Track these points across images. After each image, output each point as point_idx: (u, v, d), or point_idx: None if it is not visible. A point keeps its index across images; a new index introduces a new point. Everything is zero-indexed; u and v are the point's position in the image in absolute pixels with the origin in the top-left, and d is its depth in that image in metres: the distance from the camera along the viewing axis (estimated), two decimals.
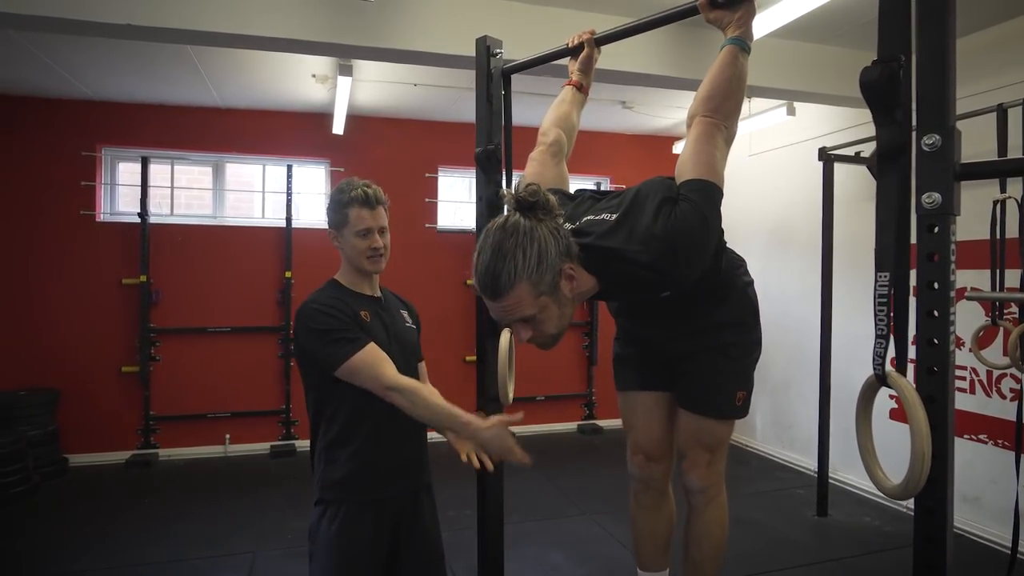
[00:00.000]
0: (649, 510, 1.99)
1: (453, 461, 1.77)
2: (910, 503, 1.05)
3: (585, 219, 1.46)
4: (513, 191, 1.38)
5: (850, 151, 4.10)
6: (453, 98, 5.16)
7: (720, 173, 1.36)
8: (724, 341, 1.77)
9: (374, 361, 1.70)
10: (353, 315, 1.78)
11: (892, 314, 1.08)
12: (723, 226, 1.48)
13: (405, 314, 2.03)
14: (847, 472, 4.58)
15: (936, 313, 1.04)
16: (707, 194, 1.33)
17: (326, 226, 1.91)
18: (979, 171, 1.09)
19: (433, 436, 1.97)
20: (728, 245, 1.77)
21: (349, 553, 1.76)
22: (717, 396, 1.78)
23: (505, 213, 1.40)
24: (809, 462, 4.80)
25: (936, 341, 1.05)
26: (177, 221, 5.47)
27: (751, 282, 1.85)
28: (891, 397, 1.16)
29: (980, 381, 3.68)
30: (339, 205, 1.84)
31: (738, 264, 1.83)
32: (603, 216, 1.43)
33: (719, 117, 1.38)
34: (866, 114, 4.76)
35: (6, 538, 3.74)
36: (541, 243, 1.32)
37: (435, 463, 2.00)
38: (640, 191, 1.42)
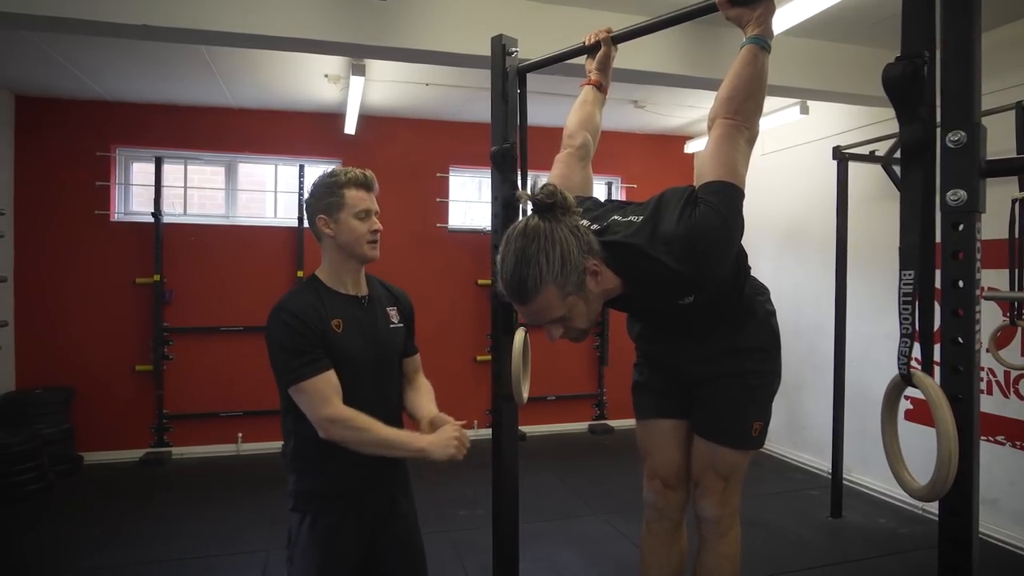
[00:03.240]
0: (660, 542, 1.96)
1: (465, 460, 1.76)
2: (927, 506, 1.04)
3: (612, 219, 1.46)
4: (530, 192, 1.38)
5: (865, 150, 4.07)
6: (465, 98, 5.16)
7: (741, 174, 1.36)
8: (744, 369, 1.75)
9: (322, 391, 1.65)
10: (322, 330, 1.70)
11: (917, 313, 1.07)
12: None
13: (392, 312, 1.91)
14: (861, 473, 4.54)
15: (961, 312, 1.03)
16: (727, 195, 1.33)
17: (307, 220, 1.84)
18: (1005, 168, 1.08)
19: None
20: (753, 275, 1.77)
21: (328, 554, 1.74)
22: (733, 425, 1.76)
23: (524, 216, 1.40)
24: (823, 463, 4.76)
25: (961, 340, 1.04)
26: (190, 221, 5.50)
27: (774, 312, 1.84)
28: (906, 398, 1.15)
29: (998, 382, 3.64)
30: (332, 187, 1.76)
31: (761, 291, 1.81)
32: (630, 219, 1.44)
33: (740, 118, 1.37)
34: (881, 112, 4.73)
35: (22, 535, 3.77)
36: (563, 244, 1.33)
37: (445, 461, 1.97)
38: (664, 196, 1.43)
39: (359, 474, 1.78)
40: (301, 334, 1.67)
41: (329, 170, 1.83)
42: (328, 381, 1.66)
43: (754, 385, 1.77)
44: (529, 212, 1.40)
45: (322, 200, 1.77)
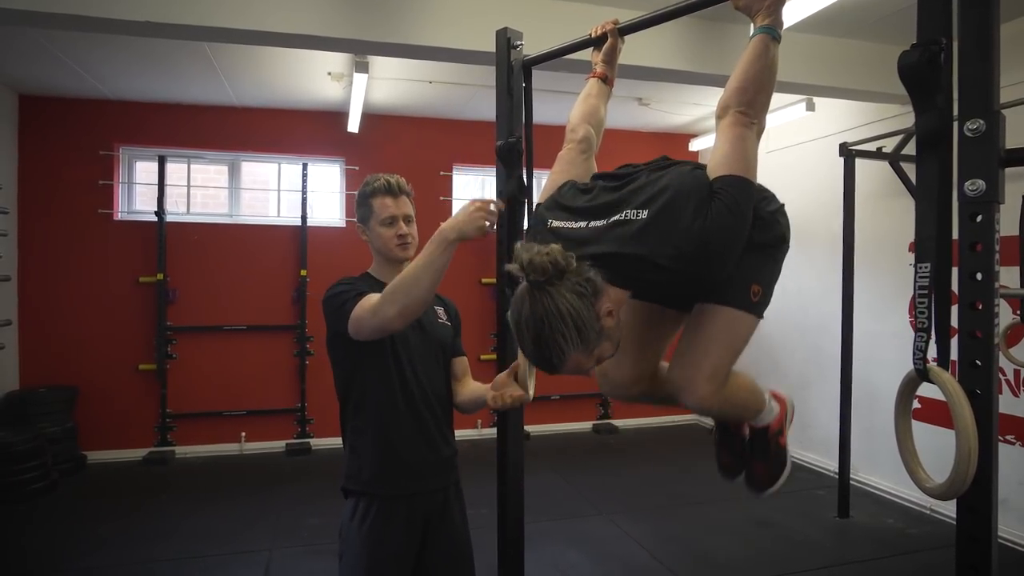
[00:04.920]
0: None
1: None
2: (935, 505, 1.01)
3: (607, 221, 1.34)
4: (520, 265, 1.25)
5: (872, 147, 4.04)
6: (468, 96, 5.14)
7: (754, 169, 1.32)
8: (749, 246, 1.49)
9: (364, 302, 1.65)
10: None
11: (933, 307, 1.04)
12: None
13: (440, 310, 2.01)
14: (868, 473, 4.51)
15: (980, 305, 1.01)
16: (742, 190, 1.28)
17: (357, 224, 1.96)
18: None
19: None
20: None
21: (378, 555, 1.75)
22: (729, 283, 1.46)
23: (525, 287, 1.28)
24: (829, 463, 4.73)
25: (979, 334, 1.01)
26: (193, 220, 5.50)
27: (781, 207, 1.58)
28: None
29: (1007, 380, 3.60)
30: (363, 198, 1.89)
31: (762, 197, 1.56)
32: (628, 215, 1.32)
33: (752, 111, 1.34)
34: (888, 109, 4.69)
35: (24, 534, 3.76)
36: (574, 316, 1.24)
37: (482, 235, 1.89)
38: (677, 191, 1.30)
39: (409, 464, 1.80)
40: (349, 285, 1.77)
41: (366, 178, 1.94)
42: (366, 298, 1.67)
43: (754, 249, 1.47)
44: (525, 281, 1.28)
45: (358, 210, 1.92)
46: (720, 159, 1.32)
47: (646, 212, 1.30)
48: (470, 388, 1.96)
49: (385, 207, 1.86)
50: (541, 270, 1.23)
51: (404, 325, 1.64)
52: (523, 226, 1.87)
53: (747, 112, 1.34)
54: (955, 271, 1.06)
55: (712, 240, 1.25)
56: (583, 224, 1.37)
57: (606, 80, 1.77)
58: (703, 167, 1.37)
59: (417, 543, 1.81)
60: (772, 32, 1.35)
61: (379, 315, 1.59)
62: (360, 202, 1.90)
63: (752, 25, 1.40)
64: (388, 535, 1.76)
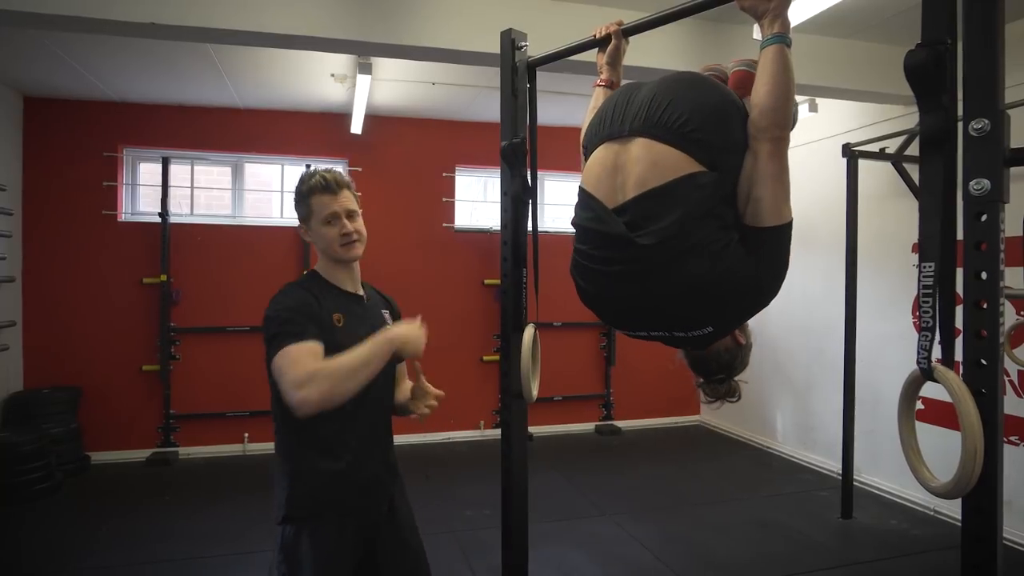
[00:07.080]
0: None
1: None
2: (939, 506, 1.01)
3: (670, 335, 1.38)
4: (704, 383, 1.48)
5: (875, 147, 4.04)
6: (471, 97, 5.14)
7: (790, 198, 1.34)
8: None
9: (296, 358, 1.52)
10: (320, 318, 1.65)
11: (937, 306, 1.05)
12: None
13: (387, 314, 1.91)
14: (871, 474, 4.50)
15: (985, 304, 1.01)
16: (787, 245, 1.31)
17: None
18: None
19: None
20: None
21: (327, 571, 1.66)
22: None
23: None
24: (832, 464, 4.72)
25: (985, 333, 1.01)
26: (197, 221, 5.51)
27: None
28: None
29: (1012, 381, 3.59)
30: (302, 197, 1.78)
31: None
32: (691, 333, 1.35)
33: (786, 130, 1.32)
34: (891, 110, 4.67)
35: (29, 534, 3.77)
36: (743, 364, 1.47)
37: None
38: (728, 295, 1.29)
39: (363, 477, 1.73)
40: (292, 310, 1.63)
41: (301, 175, 1.82)
42: (309, 348, 1.55)
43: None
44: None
45: (298, 210, 1.81)
46: (771, 201, 1.30)
47: (711, 328, 1.34)
48: (403, 391, 1.92)
49: (324, 205, 1.73)
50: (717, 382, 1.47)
51: (315, 413, 1.53)
52: (527, 227, 1.87)
53: (783, 135, 1.32)
54: (959, 271, 1.07)
55: (746, 317, 1.39)
56: (643, 334, 1.43)
57: (611, 86, 1.76)
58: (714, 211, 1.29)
59: (362, 552, 1.73)
60: (785, 40, 1.34)
61: (300, 393, 1.48)
62: (298, 201, 1.79)
63: (758, 28, 1.39)
64: (340, 555, 1.67)
